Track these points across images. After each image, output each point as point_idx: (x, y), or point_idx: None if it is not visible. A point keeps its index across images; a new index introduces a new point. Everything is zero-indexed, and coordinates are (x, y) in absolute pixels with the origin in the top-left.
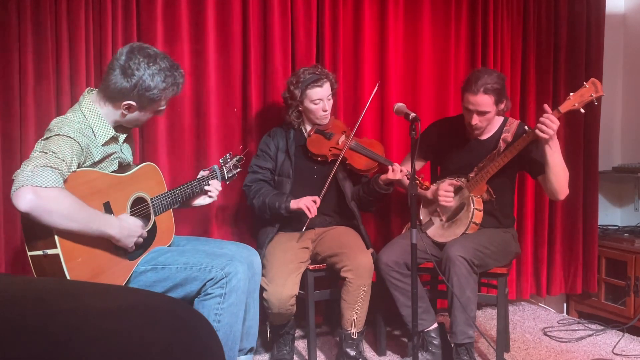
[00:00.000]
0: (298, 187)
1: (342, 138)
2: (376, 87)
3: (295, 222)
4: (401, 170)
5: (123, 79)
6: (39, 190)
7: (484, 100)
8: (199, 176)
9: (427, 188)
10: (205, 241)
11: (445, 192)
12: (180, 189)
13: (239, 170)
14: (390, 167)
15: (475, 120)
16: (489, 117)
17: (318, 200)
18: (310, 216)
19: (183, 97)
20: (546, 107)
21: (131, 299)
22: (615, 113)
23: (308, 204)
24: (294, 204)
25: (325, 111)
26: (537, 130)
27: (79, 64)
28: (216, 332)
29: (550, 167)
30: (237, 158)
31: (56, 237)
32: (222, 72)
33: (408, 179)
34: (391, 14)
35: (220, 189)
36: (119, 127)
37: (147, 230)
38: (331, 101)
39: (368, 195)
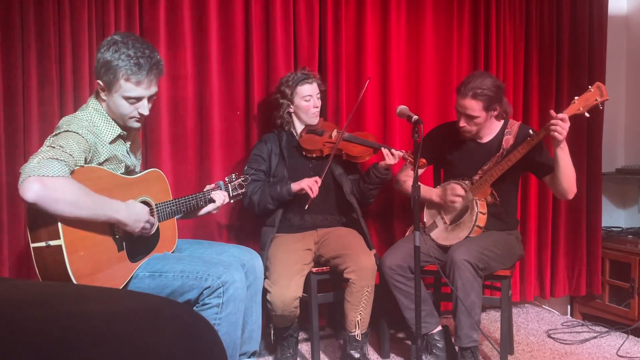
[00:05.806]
0: None
1: (334, 133)
2: (367, 83)
3: (296, 217)
4: (393, 154)
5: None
6: (45, 180)
7: (471, 105)
8: (205, 189)
9: (425, 165)
10: (208, 244)
11: (454, 194)
12: (185, 199)
13: (243, 190)
14: (385, 153)
15: (463, 123)
16: (478, 121)
17: (319, 180)
18: (312, 196)
19: (186, 100)
20: (552, 112)
21: (135, 303)
22: (618, 114)
23: (310, 184)
24: (296, 185)
25: (316, 107)
26: (552, 132)
27: (82, 67)
28: (219, 336)
29: (561, 168)
30: (242, 179)
31: (60, 228)
32: (225, 75)
33: (405, 160)
34: (393, 17)
35: (226, 200)
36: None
37: (150, 234)
38: (320, 101)
39: (369, 184)
